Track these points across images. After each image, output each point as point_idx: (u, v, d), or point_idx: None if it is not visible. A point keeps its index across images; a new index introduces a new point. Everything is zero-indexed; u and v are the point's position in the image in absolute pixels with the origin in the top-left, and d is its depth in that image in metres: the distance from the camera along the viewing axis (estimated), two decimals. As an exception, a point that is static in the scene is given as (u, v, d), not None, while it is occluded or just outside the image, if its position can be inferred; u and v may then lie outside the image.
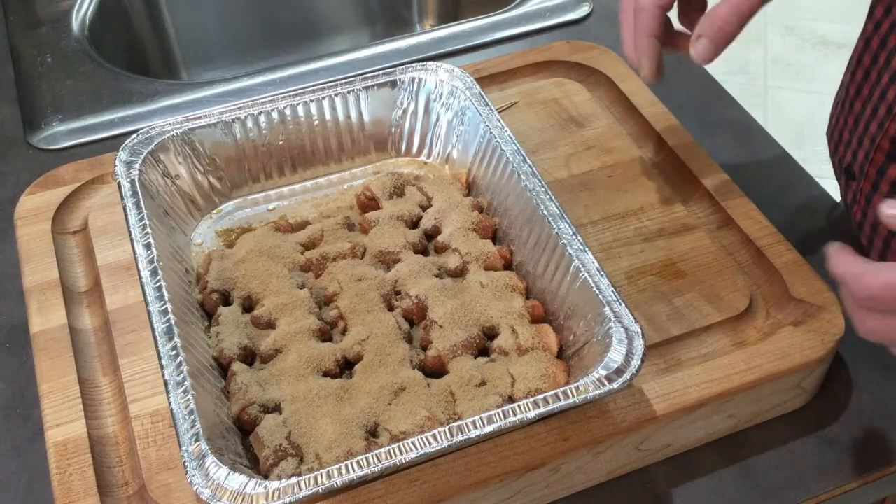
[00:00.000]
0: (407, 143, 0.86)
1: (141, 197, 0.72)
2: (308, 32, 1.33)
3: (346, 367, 0.68)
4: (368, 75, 0.84)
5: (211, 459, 0.56)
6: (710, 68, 1.03)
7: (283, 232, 0.77)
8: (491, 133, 0.78)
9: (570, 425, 0.64)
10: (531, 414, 0.59)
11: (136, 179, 0.74)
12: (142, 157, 0.76)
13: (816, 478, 0.67)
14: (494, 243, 0.76)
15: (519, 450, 0.63)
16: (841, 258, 0.55)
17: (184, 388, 0.60)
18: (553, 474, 0.64)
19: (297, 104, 0.81)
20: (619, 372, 0.61)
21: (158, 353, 0.62)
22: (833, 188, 0.88)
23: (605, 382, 0.60)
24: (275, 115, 0.81)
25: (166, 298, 0.65)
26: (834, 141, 0.80)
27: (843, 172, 0.78)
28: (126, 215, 0.71)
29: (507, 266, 0.75)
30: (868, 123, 0.72)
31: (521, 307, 0.70)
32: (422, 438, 0.57)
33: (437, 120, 0.84)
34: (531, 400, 0.59)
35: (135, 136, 0.77)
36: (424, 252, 0.76)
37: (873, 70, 0.72)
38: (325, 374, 0.67)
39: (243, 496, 0.55)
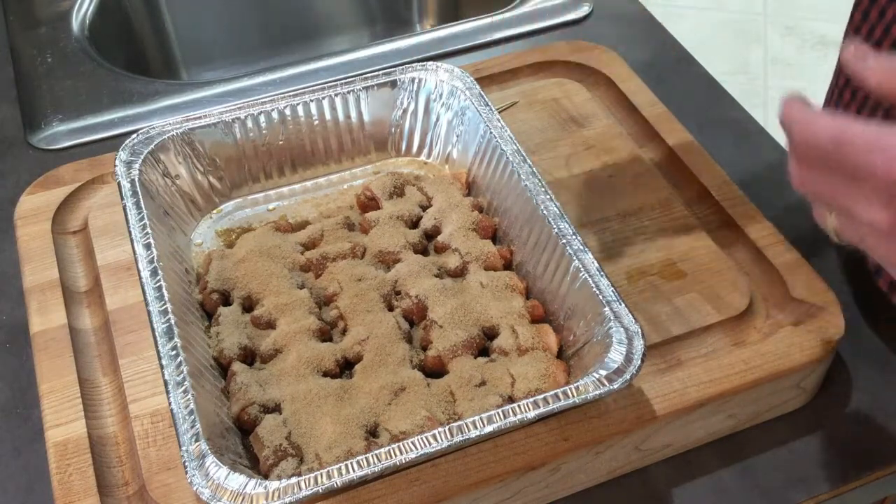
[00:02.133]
0: (407, 143, 0.85)
1: (141, 197, 0.72)
2: (308, 32, 1.33)
3: (346, 367, 0.68)
4: (368, 75, 0.84)
5: (211, 459, 0.56)
6: (710, 68, 1.03)
7: (283, 232, 0.77)
8: (491, 133, 0.78)
9: (570, 425, 0.64)
10: (531, 414, 0.59)
11: (136, 179, 0.74)
12: (142, 157, 0.76)
13: (816, 478, 0.67)
14: (494, 243, 0.76)
15: (519, 450, 0.63)
16: (793, 104, 0.49)
17: (184, 388, 0.60)
18: (553, 474, 0.64)
19: (297, 104, 0.81)
20: (619, 372, 0.61)
21: (158, 353, 0.62)
22: (833, 188, 0.87)
23: (605, 382, 0.60)
24: (275, 115, 0.81)
25: (166, 298, 0.65)
26: None
27: None
28: (126, 215, 0.71)
29: (507, 266, 0.75)
30: None
31: (521, 307, 0.70)
32: (422, 438, 0.57)
33: (437, 120, 0.84)
34: (531, 400, 0.59)
35: (135, 136, 0.77)
36: (424, 252, 0.76)
37: None
38: (325, 374, 0.67)
39: (243, 496, 0.55)
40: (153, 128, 0.78)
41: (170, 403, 0.59)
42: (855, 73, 0.49)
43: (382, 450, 0.57)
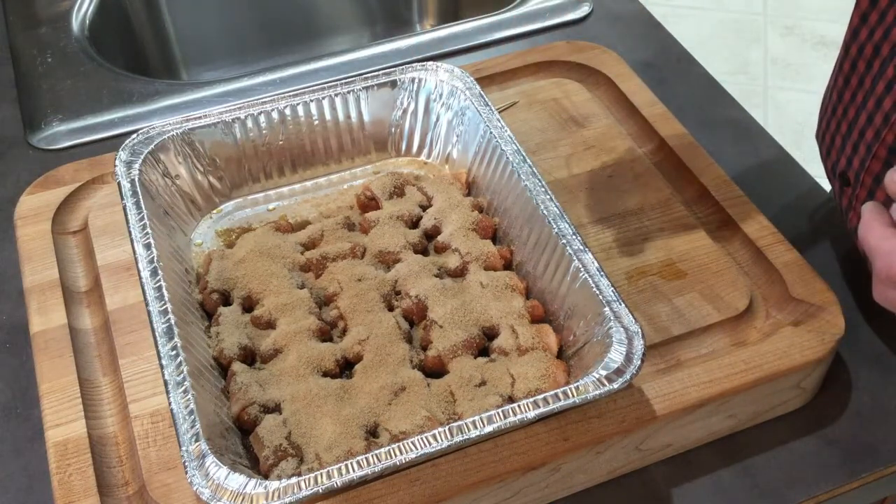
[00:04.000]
0: (407, 143, 0.86)
1: (141, 197, 0.72)
2: (308, 32, 1.33)
3: (346, 367, 0.68)
4: (368, 75, 0.84)
5: (211, 459, 0.56)
6: (710, 68, 1.04)
7: (283, 232, 0.77)
8: (491, 133, 0.78)
9: (570, 425, 0.64)
10: (531, 414, 0.59)
11: (136, 179, 0.74)
12: (142, 157, 0.76)
13: (816, 478, 0.67)
14: (494, 243, 0.76)
15: (519, 450, 0.63)
16: (872, 230, 0.53)
17: (184, 388, 0.60)
18: (553, 474, 0.64)
19: (297, 104, 0.81)
20: (619, 372, 0.61)
21: (158, 353, 0.62)
22: (833, 188, 0.88)
23: (605, 382, 0.60)
24: (275, 115, 0.81)
25: (166, 298, 0.65)
26: (826, 145, 0.80)
27: (838, 178, 0.77)
28: (126, 215, 0.71)
29: (507, 266, 0.75)
30: (863, 131, 0.72)
31: (521, 307, 0.70)
32: (422, 438, 0.57)
33: (437, 120, 0.84)
34: (531, 400, 0.59)
35: (135, 136, 0.77)
36: (424, 252, 0.76)
37: (867, 77, 0.72)
38: (325, 374, 0.67)
39: (243, 496, 0.55)
40: (153, 128, 0.78)
41: (170, 403, 0.59)
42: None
43: (382, 450, 0.57)
